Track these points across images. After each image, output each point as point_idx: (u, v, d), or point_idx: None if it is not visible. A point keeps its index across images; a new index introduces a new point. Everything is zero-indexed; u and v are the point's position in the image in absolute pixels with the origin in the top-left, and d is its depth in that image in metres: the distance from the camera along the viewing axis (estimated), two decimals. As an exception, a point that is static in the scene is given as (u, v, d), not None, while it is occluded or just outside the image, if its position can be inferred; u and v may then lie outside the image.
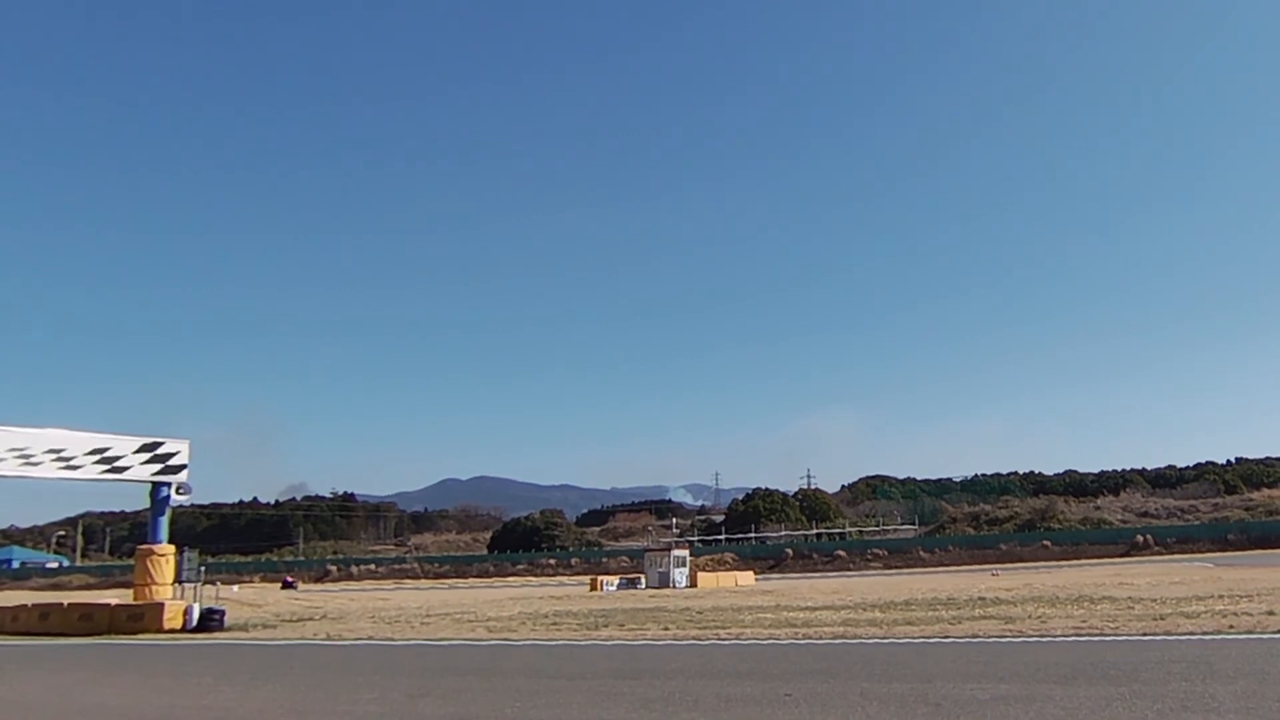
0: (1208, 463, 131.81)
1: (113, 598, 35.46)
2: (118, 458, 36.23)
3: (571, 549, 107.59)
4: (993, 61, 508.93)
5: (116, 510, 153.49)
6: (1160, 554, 73.57)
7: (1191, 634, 14.39)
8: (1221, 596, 21.48)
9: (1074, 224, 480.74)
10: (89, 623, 27.95)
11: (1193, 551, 72.59)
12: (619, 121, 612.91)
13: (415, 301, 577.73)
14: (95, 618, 28.26)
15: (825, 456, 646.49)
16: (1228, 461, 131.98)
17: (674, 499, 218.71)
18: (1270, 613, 16.59)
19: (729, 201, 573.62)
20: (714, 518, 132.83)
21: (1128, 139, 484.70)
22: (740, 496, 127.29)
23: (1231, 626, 14.96)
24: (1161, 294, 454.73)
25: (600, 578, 59.36)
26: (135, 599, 33.36)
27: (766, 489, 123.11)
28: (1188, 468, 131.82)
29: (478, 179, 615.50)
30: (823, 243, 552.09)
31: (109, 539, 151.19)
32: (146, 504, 38.09)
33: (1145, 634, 14.76)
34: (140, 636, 25.86)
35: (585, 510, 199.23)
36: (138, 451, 36.82)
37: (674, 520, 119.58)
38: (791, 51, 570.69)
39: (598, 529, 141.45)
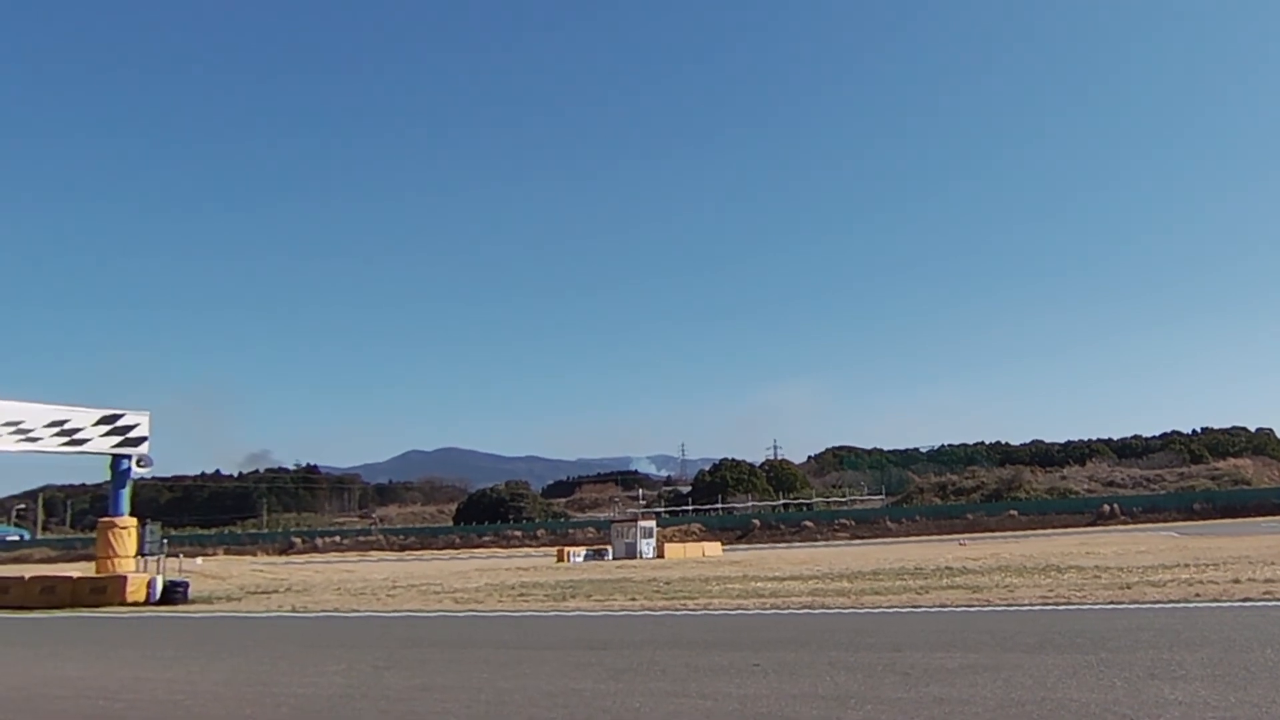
0: (1173, 432, 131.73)
1: (75, 571, 35.03)
2: (77, 430, 35.68)
3: (538, 520, 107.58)
4: (945, 38, 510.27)
5: (77, 483, 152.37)
6: (1126, 523, 74.31)
7: (1158, 603, 14.47)
8: (1187, 565, 21.66)
9: (1039, 196, 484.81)
10: (51, 596, 27.54)
11: (1159, 521, 73.27)
12: (586, 93, 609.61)
13: (381, 273, 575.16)
14: (57, 590, 27.83)
15: (792, 427, 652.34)
16: (1193, 431, 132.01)
17: (640, 470, 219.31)
18: (1236, 581, 16.76)
19: (694, 174, 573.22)
20: (680, 489, 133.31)
21: (1085, 114, 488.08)
22: (707, 467, 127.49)
23: (1198, 595, 15.06)
24: (1127, 266, 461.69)
25: (567, 549, 59.30)
26: (98, 572, 32.99)
27: (733, 460, 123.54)
28: (1154, 437, 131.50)
29: (445, 148, 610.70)
30: (787, 215, 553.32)
31: (70, 512, 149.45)
32: (107, 476, 37.59)
33: (1112, 603, 14.83)
34: (103, 609, 25.52)
35: (551, 481, 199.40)
36: (97, 424, 36.26)
37: (640, 491, 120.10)
38: (755, 26, 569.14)
39: (564, 500, 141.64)
